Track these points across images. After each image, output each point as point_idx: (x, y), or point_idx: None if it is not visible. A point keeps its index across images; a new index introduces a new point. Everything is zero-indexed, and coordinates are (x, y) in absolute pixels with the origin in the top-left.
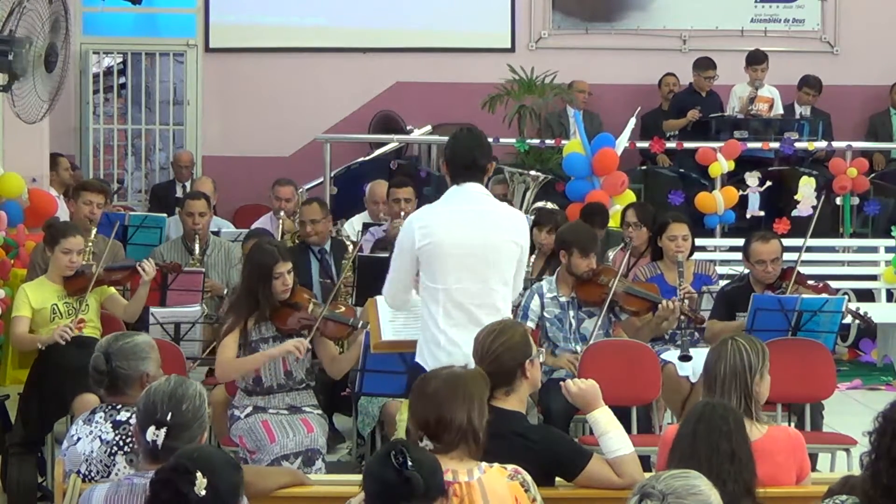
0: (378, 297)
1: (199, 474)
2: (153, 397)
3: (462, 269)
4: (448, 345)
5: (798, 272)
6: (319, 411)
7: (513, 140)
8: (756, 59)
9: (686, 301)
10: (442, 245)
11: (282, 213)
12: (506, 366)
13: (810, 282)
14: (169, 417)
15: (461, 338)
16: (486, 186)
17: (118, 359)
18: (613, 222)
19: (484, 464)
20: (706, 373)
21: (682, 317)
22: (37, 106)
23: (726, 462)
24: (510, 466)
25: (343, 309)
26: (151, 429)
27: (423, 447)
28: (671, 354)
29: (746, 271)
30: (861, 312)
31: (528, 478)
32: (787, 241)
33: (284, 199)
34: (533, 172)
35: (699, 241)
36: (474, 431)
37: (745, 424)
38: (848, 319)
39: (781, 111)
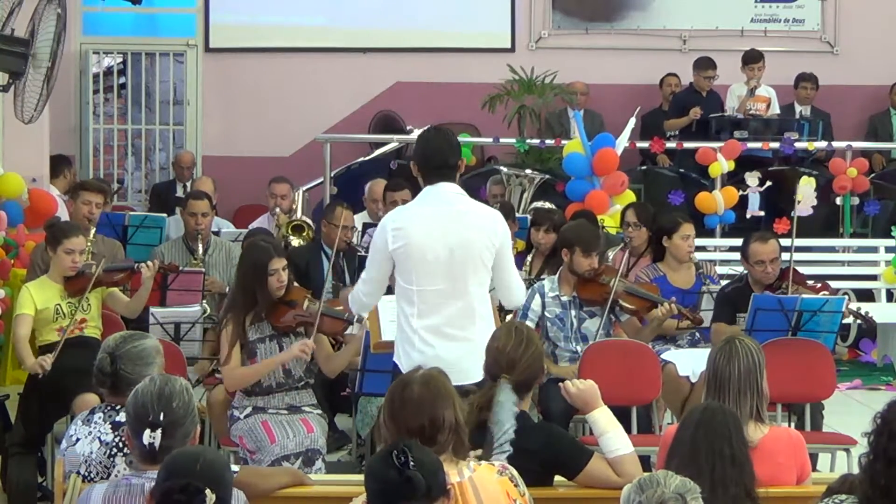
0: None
1: (208, 491)
2: (142, 399)
3: (437, 270)
4: (422, 345)
5: (795, 271)
6: (319, 411)
7: (513, 140)
8: (752, 58)
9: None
10: (416, 247)
11: (277, 210)
12: (534, 375)
13: (809, 282)
14: (162, 417)
15: (435, 339)
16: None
17: (124, 362)
18: (613, 222)
19: (472, 462)
20: (714, 376)
21: (680, 317)
22: (39, 105)
23: (728, 467)
24: (497, 462)
25: (338, 306)
26: (147, 432)
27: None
28: (671, 354)
29: (746, 272)
30: (862, 312)
31: (515, 473)
32: (786, 242)
33: (280, 196)
34: (529, 172)
35: (699, 242)
36: (462, 427)
37: (742, 427)
38: (849, 320)
39: (778, 111)
